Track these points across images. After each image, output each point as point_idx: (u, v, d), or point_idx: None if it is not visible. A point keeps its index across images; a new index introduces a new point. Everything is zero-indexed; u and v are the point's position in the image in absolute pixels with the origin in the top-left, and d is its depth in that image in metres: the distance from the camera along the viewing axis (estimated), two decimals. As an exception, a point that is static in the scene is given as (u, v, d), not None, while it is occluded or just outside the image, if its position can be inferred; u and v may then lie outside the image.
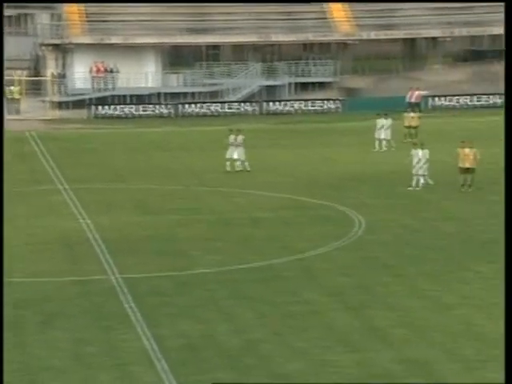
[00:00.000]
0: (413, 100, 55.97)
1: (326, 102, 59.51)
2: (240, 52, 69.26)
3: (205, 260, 24.68)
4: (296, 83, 61.13)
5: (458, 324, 19.07)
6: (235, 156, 37.12)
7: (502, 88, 62.48)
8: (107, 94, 57.98)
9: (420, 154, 32.90)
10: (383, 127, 42.10)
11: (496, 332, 18.56)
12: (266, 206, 31.39)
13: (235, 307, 20.64)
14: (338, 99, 59.61)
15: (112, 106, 56.92)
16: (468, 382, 16.25)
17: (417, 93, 56.43)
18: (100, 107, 56.41)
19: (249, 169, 37.13)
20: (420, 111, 55.13)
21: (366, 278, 22.57)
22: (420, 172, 32.87)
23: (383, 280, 22.36)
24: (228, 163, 37.06)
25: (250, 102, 59.37)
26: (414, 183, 32.99)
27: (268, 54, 66.42)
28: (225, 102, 59.05)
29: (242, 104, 59.23)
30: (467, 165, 31.81)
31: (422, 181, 33.02)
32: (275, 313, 20.15)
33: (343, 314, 19.97)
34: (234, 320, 19.78)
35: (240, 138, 37.52)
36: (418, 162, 32.81)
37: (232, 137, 37.51)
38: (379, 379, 16.50)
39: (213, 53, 68.31)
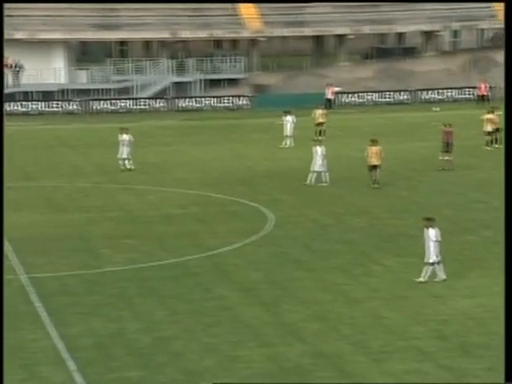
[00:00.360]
0: (329, 96, 57.17)
1: (235, 98, 59.72)
2: (149, 48, 68.86)
3: (116, 258, 24.50)
4: (206, 80, 61.17)
5: (367, 317, 19.41)
6: (124, 155, 37.02)
7: (406, 85, 64.16)
8: (14, 90, 56.87)
9: (319, 151, 33.32)
10: (288, 124, 42.70)
11: (402, 324, 18.98)
12: (177, 202, 31.34)
13: (146, 305, 20.56)
14: (247, 96, 59.91)
15: (19, 103, 55.92)
16: (375, 373, 16.57)
17: (331, 89, 57.43)
18: (6, 104, 55.27)
19: (133, 167, 36.81)
20: (330, 107, 56.19)
21: (277, 273, 22.77)
22: (316, 168, 33.20)
23: (295, 275, 22.60)
24: (121, 162, 36.95)
25: (161, 98, 59.15)
26: (323, 179, 33.38)
27: (178, 50, 66.23)
28: (135, 99, 58.66)
29: (152, 100, 58.95)
30: (374, 162, 32.36)
31: (314, 177, 33.25)
32: (187, 309, 20.15)
33: (255, 309, 20.11)
34: (145, 318, 19.71)
35: (127, 136, 37.26)
36: (318, 159, 33.18)
37: (121, 136, 37.30)
38: (290, 373, 16.69)
39: (122, 49, 67.75)
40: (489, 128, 40.59)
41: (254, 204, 30.71)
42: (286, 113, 43.17)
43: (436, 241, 21.36)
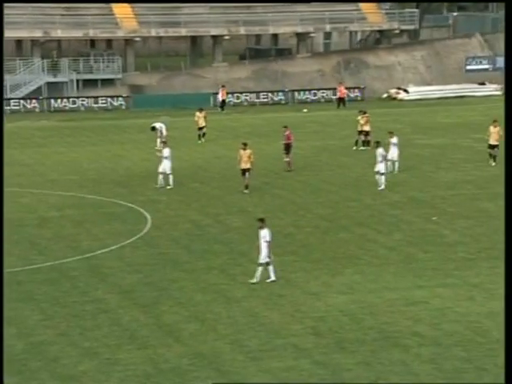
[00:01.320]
0: (222, 97, 57.50)
1: (111, 98, 59.14)
2: (21, 48, 67.33)
3: (-12, 263, 23.88)
4: (81, 80, 60.32)
5: (245, 316, 19.59)
6: None
7: (281, 86, 64.91)
8: None
9: (167, 153, 33.35)
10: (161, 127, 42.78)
11: (279, 322, 19.24)
12: (53, 205, 30.81)
13: (21, 310, 20.15)
14: (123, 96, 59.43)
15: None
16: (253, 371, 16.77)
17: (223, 91, 57.80)
18: None
19: None
20: (223, 108, 56.60)
21: (155, 275, 22.71)
22: (167, 171, 33.18)
23: (173, 276, 22.59)
24: None
25: (34, 99, 57.95)
26: (159, 181, 33.19)
27: (51, 50, 65.03)
28: (6, 99, 57.25)
29: (25, 101, 57.70)
30: (244, 166, 32.54)
31: (162, 179, 33.26)
32: (63, 313, 19.85)
33: (133, 311, 19.99)
34: (19, 323, 19.31)
35: None
36: (167, 161, 33.14)
37: None
38: (168, 374, 16.69)
39: (-8, 48, 65.85)
40: (365, 128, 41.55)
41: (132, 205, 30.51)
42: (153, 128, 42.90)
43: (267, 241, 21.62)
